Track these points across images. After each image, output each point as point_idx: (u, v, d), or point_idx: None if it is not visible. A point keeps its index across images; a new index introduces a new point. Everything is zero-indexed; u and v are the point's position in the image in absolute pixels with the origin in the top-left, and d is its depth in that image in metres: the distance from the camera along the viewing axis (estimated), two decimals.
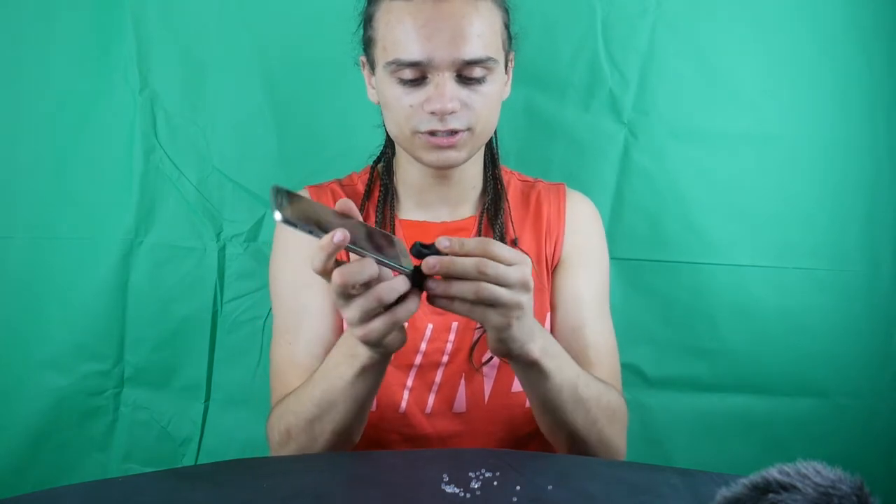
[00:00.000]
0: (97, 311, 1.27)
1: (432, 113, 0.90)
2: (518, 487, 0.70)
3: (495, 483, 0.71)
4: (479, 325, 0.96)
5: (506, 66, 0.98)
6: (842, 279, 1.28)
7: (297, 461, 0.83)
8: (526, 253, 1.01)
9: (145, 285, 1.28)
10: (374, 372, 0.80)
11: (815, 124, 1.27)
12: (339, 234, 0.65)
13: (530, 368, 0.81)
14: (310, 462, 0.83)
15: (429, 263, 0.70)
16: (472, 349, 0.98)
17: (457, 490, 0.70)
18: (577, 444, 0.89)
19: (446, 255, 0.71)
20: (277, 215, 0.63)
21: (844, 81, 1.26)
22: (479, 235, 1.02)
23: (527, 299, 0.74)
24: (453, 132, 0.91)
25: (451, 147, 0.92)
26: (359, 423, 0.86)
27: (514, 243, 1.02)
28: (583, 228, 1.06)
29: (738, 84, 1.27)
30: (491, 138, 1.04)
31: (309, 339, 0.97)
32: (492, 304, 0.72)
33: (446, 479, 0.72)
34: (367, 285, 0.69)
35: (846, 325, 1.28)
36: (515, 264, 0.72)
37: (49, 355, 1.27)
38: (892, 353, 1.29)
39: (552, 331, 1.03)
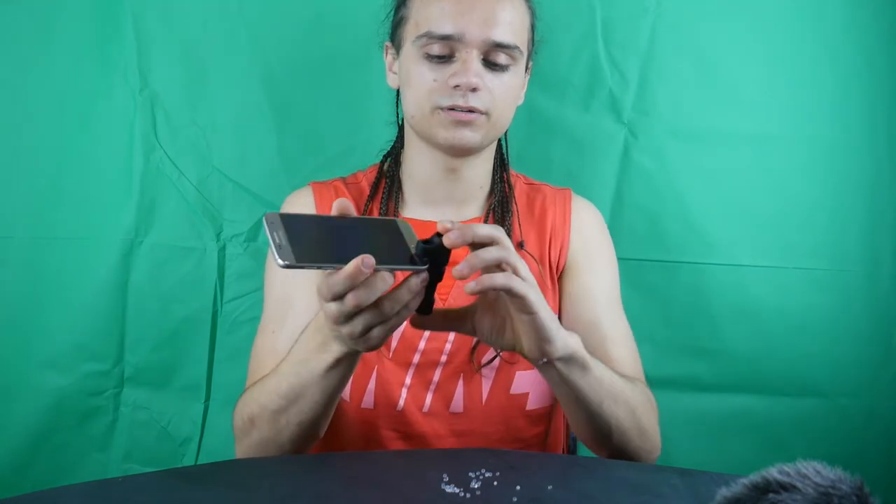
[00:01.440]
0: (97, 311, 1.27)
1: (456, 87, 0.91)
2: (518, 487, 0.70)
3: (495, 483, 0.71)
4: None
5: (526, 66, 1.00)
6: (842, 279, 1.28)
7: (296, 461, 0.83)
8: (532, 255, 1.02)
9: (145, 285, 1.28)
10: (346, 364, 0.78)
11: (815, 124, 1.27)
12: (367, 262, 0.63)
13: (572, 363, 0.79)
14: (310, 462, 0.83)
15: (459, 271, 0.68)
16: (472, 350, 0.98)
17: (457, 490, 0.70)
18: (620, 436, 0.86)
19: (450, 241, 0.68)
20: (280, 262, 0.60)
21: (844, 81, 1.27)
22: None
23: (537, 294, 0.72)
24: (472, 111, 0.92)
25: (468, 125, 0.93)
26: (325, 418, 0.84)
27: (520, 246, 1.02)
28: (588, 235, 1.06)
29: (738, 84, 1.27)
30: (501, 140, 1.05)
31: (293, 331, 0.92)
32: (510, 291, 0.70)
33: (446, 479, 0.72)
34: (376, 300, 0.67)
35: (846, 325, 1.28)
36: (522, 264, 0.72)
37: (49, 355, 1.27)
38: (892, 353, 1.29)
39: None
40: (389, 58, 1.03)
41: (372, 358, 0.96)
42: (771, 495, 0.53)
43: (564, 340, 0.76)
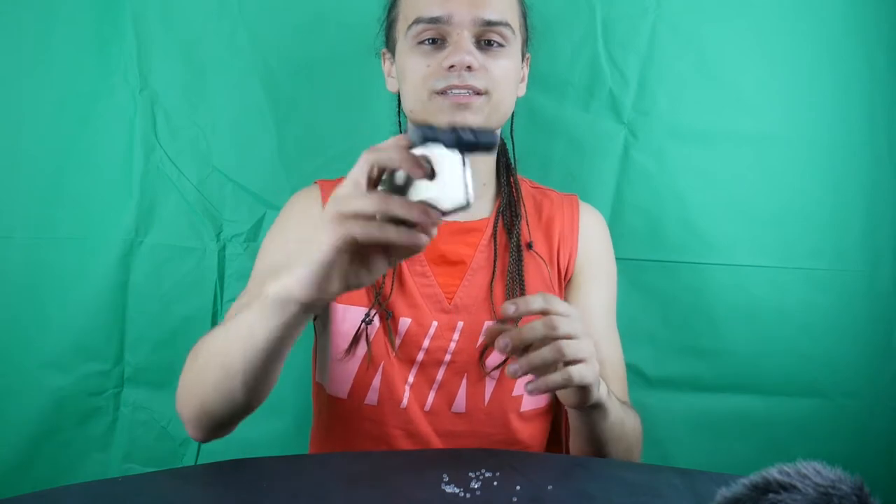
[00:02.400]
0: (97, 311, 1.27)
1: (451, 68, 0.91)
2: (518, 487, 0.70)
3: (495, 483, 0.71)
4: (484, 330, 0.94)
5: (522, 55, 1.00)
6: (842, 279, 1.28)
7: (296, 461, 0.83)
8: (541, 257, 1.02)
9: (145, 285, 1.28)
10: (296, 326, 0.73)
11: (815, 124, 1.27)
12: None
13: (595, 410, 0.84)
14: (310, 462, 0.83)
15: (500, 344, 0.73)
16: (481, 355, 0.98)
17: (457, 490, 0.70)
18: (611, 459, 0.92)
19: (510, 319, 0.74)
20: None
21: (844, 81, 1.26)
22: (494, 238, 1.02)
23: (592, 345, 0.76)
24: (470, 91, 0.91)
25: (467, 107, 0.92)
26: (273, 367, 0.76)
27: (529, 247, 1.02)
28: (595, 242, 1.07)
29: (738, 84, 1.27)
30: (504, 142, 1.06)
31: None
32: (578, 360, 0.74)
33: (446, 479, 0.72)
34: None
35: (846, 325, 1.28)
36: (572, 315, 0.75)
37: (49, 355, 1.26)
38: (892, 353, 1.29)
39: None
40: (387, 64, 1.03)
41: (380, 355, 0.97)
42: (771, 495, 0.53)
43: (598, 391, 0.80)
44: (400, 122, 1.07)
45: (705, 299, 1.28)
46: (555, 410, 1.18)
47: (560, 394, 0.84)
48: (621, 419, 0.89)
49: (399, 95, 1.02)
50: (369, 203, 0.64)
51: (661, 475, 0.76)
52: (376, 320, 0.97)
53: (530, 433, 1.02)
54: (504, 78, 0.95)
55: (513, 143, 1.07)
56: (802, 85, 1.27)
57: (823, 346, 1.28)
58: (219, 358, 0.78)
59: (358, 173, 0.66)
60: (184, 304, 1.28)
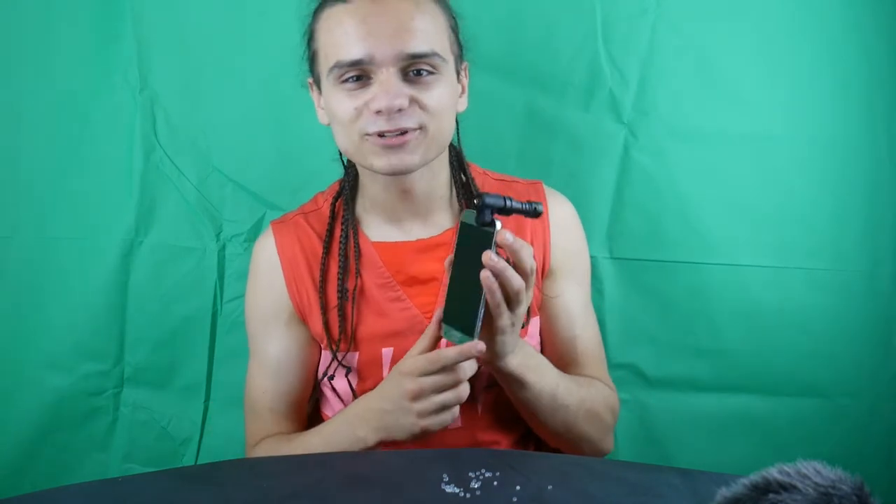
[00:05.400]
0: (97, 311, 1.27)
1: (378, 112, 0.86)
2: (518, 487, 0.70)
3: (495, 483, 0.71)
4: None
5: (458, 73, 0.95)
6: (842, 279, 1.28)
7: (296, 461, 0.83)
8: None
9: (145, 285, 1.28)
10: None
11: (815, 124, 1.27)
12: (480, 347, 0.79)
13: (509, 378, 0.88)
14: (308, 462, 0.83)
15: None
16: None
17: (457, 490, 0.70)
18: (557, 441, 0.96)
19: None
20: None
21: (844, 81, 1.26)
22: None
23: (518, 314, 0.81)
24: (403, 132, 0.87)
25: (402, 147, 0.87)
26: None
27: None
28: (568, 233, 1.05)
29: (738, 84, 1.27)
30: (453, 141, 1.00)
31: (278, 391, 1.01)
32: (510, 302, 0.79)
33: (446, 479, 0.72)
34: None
35: (846, 325, 1.28)
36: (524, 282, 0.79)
37: (49, 355, 1.27)
38: (892, 353, 1.29)
39: (542, 334, 1.05)
40: (315, 94, 0.98)
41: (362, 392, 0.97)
42: (771, 495, 0.53)
43: (503, 360, 0.85)
44: (341, 155, 1.02)
45: (705, 299, 1.28)
46: None
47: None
48: (552, 394, 0.91)
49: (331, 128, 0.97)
50: (450, 397, 0.83)
51: (661, 475, 0.76)
52: (339, 371, 0.99)
53: (522, 433, 1.02)
54: (439, 107, 0.89)
55: (458, 140, 1.02)
56: (802, 85, 1.27)
57: (823, 346, 1.28)
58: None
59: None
60: (184, 304, 1.29)
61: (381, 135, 0.87)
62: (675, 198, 1.28)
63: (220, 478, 0.75)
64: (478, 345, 0.78)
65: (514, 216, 0.80)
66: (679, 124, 1.27)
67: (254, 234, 1.29)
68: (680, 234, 1.28)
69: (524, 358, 0.87)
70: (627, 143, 1.28)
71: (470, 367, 0.83)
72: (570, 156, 1.29)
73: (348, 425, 0.89)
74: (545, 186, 1.07)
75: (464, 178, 1.02)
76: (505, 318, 0.80)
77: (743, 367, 1.29)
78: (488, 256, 0.75)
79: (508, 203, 0.77)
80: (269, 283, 1.01)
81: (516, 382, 0.88)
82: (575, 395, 0.93)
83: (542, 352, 1.02)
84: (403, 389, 0.82)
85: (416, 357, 0.83)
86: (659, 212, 1.28)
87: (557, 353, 1.03)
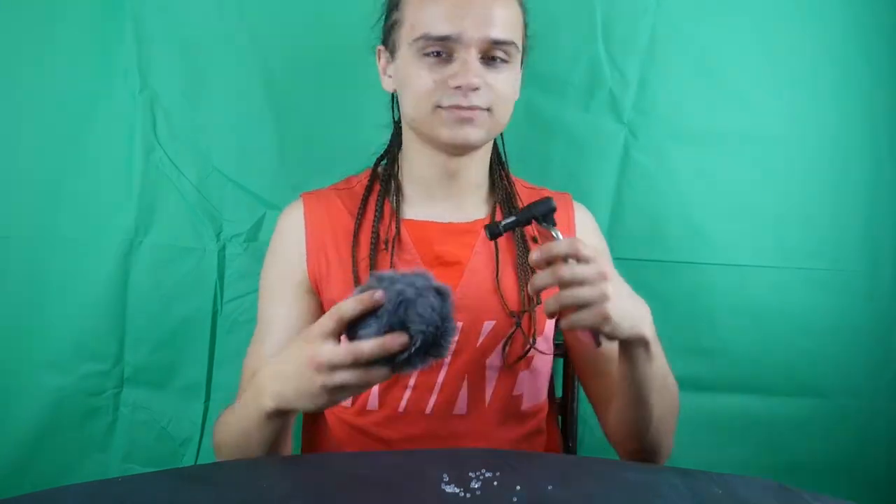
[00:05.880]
0: (97, 311, 1.27)
1: (457, 88, 0.92)
2: (518, 487, 0.70)
3: (495, 483, 0.71)
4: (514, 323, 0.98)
5: (521, 61, 1.01)
6: (842, 279, 1.28)
7: (296, 461, 0.83)
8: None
9: (145, 285, 1.28)
10: (281, 419, 0.83)
11: (815, 124, 1.27)
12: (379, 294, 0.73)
13: (639, 350, 0.85)
14: (310, 462, 0.83)
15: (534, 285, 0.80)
16: (504, 345, 0.98)
17: (457, 490, 0.70)
18: (652, 433, 0.92)
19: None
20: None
21: (844, 82, 1.26)
22: None
23: (608, 288, 0.78)
24: (473, 109, 0.93)
25: (470, 122, 0.93)
26: (280, 447, 0.87)
27: (534, 240, 1.02)
28: (594, 239, 1.08)
29: (738, 84, 1.27)
30: (497, 139, 1.06)
31: (269, 356, 0.98)
32: (581, 305, 0.78)
33: (446, 479, 0.72)
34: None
35: (846, 325, 1.28)
36: (592, 260, 0.79)
37: (49, 355, 1.26)
38: (892, 353, 1.29)
39: (572, 340, 1.05)
40: (383, 61, 1.03)
41: None
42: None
43: (633, 329, 0.82)
44: (394, 118, 1.07)
45: (705, 299, 1.28)
46: (558, 410, 1.19)
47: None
48: (664, 373, 0.89)
49: (395, 94, 1.02)
50: (351, 375, 0.73)
51: (661, 475, 0.76)
52: None
53: (524, 431, 1.02)
54: (506, 93, 0.96)
55: (503, 141, 1.07)
56: (802, 85, 1.27)
57: (823, 346, 1.28)
58: (232, 446, 0.89)
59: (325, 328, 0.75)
60: (184, 304, 1.28)
61: (453, 107, 0.93)
62: (676, 198, 1.28)
63: (220, 478, 0.75)
64: (399, 337, 0.72)
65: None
66: (679, 124, 1.28)
67: (254, 234, 1.29)
68: (680, 234, 1.28)
69: (653, 328, 0.85)
70: (627, 143, 1.28)
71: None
72: (570, 156, 1.29)
73: (254, 390, 0.85)
74: (573, 199, 1.10)
75: (502, 171, 1.07)
76: (584, 291, 0.78)
77: (743, 366, 1.29)
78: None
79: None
80: (288, 246, 1.02)
81: (647, 354, 0.85)
82: (672, 379, 0.93)
83: (570, 357, 1.05)
84: (305, 356, 0.76)
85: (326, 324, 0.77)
86: (659, 212, 1.28)
87: (595, 354, 1.01)
